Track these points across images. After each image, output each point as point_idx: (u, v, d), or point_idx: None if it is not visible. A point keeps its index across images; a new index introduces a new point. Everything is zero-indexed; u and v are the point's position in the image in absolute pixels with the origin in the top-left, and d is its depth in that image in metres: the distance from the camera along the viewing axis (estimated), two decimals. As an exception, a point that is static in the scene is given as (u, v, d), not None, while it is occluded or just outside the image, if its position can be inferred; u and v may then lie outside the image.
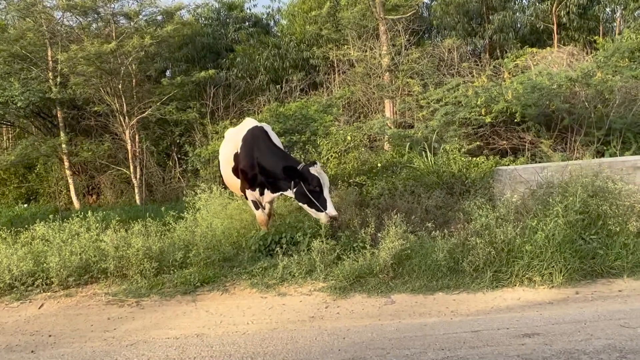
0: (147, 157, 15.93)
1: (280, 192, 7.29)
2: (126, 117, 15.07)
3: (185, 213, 8.80)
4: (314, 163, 6.96)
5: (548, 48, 14.69)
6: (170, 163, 16.64)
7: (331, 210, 6.74)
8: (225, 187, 9.40)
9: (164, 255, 7.16)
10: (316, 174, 6.79)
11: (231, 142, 7.86)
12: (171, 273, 6.89)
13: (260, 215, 7.63)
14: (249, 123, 7.92)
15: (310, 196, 6.79)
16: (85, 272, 7.02)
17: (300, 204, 7.05)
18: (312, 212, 6.92)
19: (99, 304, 6.26)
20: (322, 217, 6.78)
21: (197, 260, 7.02)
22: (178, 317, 5.69)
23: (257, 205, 7.62)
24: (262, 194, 7.49)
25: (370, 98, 16.31)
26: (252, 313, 5.64)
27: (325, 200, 6.77)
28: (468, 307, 5.38)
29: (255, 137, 7.46)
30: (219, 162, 8.44)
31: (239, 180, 7.66)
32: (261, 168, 7.27)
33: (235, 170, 7.67)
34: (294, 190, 6.95)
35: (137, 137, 15.58)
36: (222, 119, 16.43)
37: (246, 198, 7.76)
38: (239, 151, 7.53)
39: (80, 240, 7.40)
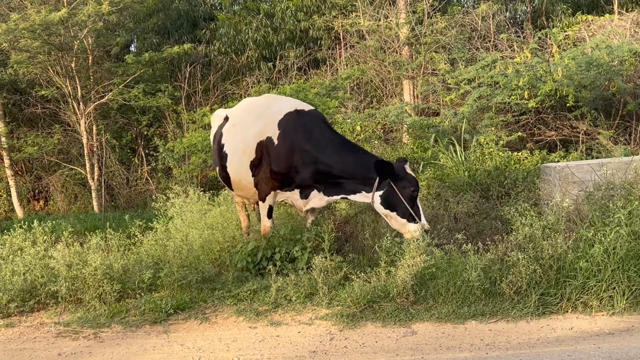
0: (108, 153, 15.97)
1: (342, 196, 7.17)
2: (81, 104, 15.11)
3: (154, 222, 8.80)
4: (405, 160, 6.87)
5: (607, 15, 14.68)
6: (136, 160, 16.69)
7: (425, 220, 6.73)
8: (204, 189, 9.42)
9: (128, 276, 7.16)
10: (413, 174, 6.80)
11: (249, 125, 7.55)
12: (137, 297, 6.90)
13: (269, 226, 7.48)
14: (283, 103, 7.68)
15: (404, 202, 6.70)
16: (31, 297, 7.02)
17: (385, 211, 6.90)
18: (400, 222, 6.82)
19: (47, 336, 6.27)
20: (415, 229, 6.71)
21: (169, 282, 7.03)
22: (146, 352, 5.69)
23: (271, 213, 7.51)
24: (305, 196, 7.32)
25: (385, 78, 16.32)
26: (239, 347, 5.64)
27: (419, 208, 6.77)
28: (508, 340, 5.37)
29: (305, 125, 7.27)
30: (220, 153, 7.94)
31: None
32: (319, 164, 7.08)
33: (256, 165, 7.40)
34: (380, 193, 6.82)
35: (94, 128, 15.63)
36: (201, 104, 16.47)
37: (262, 201, 7.47)
38: (274, 140, 7.24)
39: (24, 257, 7.39)
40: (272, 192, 7.33)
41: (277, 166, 7.20)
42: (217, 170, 8.07)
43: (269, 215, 7.47)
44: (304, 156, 7.11)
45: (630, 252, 5.92)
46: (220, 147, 7.85)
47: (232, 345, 5.67)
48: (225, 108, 8.65)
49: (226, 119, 8.06)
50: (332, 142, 7.15)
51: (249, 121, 7.63)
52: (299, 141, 7.15)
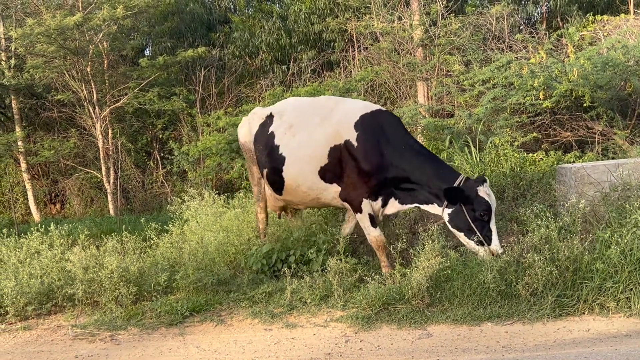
0: (123, 157, 16.05)
1: (416, 205, 6.83)
2: (96, 107, 15.20)
3: (170, 225, 8.85)
4: (483, 180, 6.48)
5: (622, 15, 14.58)
6: (152, 164, 16.75)
7: (497, 245, 6.32)
8: (219, 192, 9.41)
9: (144, 278, 7.21)
10: (485, 197, 6.36)
11: (314, 128, 7.19)
12: (153, 300, 6.94)
13: (379, 236, 6.98)
14: (352, 104, 7.36)
15: (472, 224, 6.37)
16: (48, 300, 7.08)
17: (452, 229, 6.57)
18: (468, 243, 6.49)
19: (64, 339, 6.32)
20: (482, 252, 6.34)
21: (185, 284, 7.06)
22: (162, 354, 5.72)
23: (375, 222, 7.00)
24: (384, 204, 7.00)
25: (399, 80, 16.28)
26: (254, 349, 5.65)
27: (490, 232, 6.37)
28: (524, 341, 5.35)
29: (382, 126, 6.95)
30: (272, 155, 7.49)
31: (326, 187, 7.12)
32: (398, 170, 6.78)
33: (329, 170, 7.04)
34: (449, 211, 6.49)
35: (110, 131, 15.72)
36: (215, 107, 16.51)
37: (359, 212, 6.99)
38: (353, 143, 6.89)
39: (41, 260, 7.46)
40: (366, 200, 6.90)
41: (366, 165, 6.85)
42: (265, 173, 7.62)
43: (373, 224, 6.95)
44: (386, 159, 6.82)
45: (647, 253, 5.89)
46: (273, 148, 7.42)
47: (248, 348, 5.69)
48: (263, 107, 8.36)
49: (270, 117, 7.68)
50: (412, 147, 6.86)
51: (312, 123, 7.24)
52: (381, 142, 6.87)
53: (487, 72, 12.67)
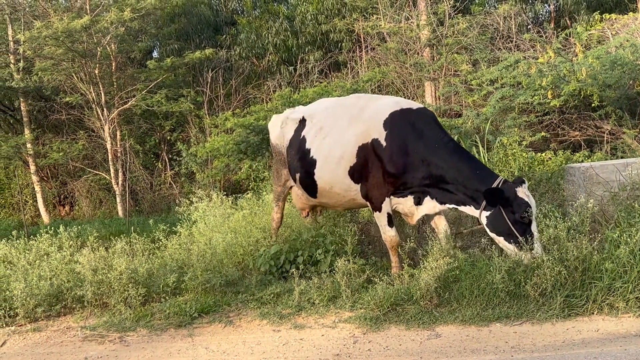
0: (131, 158, 16.13)
1: (454, 205, 6.60)
2: (105, 109, 15.27)
3: (178, 227, 8.86)
4: (521, 182, 6.28)
5: (631, 14, 14.53)
6: (160, 165, 16.81)
7: (540, 250, 6.05)
8: (227, 193, 9.41)
9: (153, 280, 7.22)
10: (525, 198, 6.17)
11: (344, 128, 7.11)
12: (162, 301, 6.95)
13: (393, 236, 6.92)
14: (383, 102, 7.15)
15: (512, 227, 6.18)
16: (57, 301, 7.10)
17: (491, 234, 6.37)
18: (508, 248, 6.23)
19: (74, 340, 6.33)
20: (523, 257, 6.08)
21: (193, 285, 7.07)
22: (171, 355, 5.73)
23: (392, 222, 6.92)
24: (418, 203, 6.80)
25: (406, 80, 16.28)
26: (262, 350, 5.66)
27: (532, 236, 6.14)
28: (533, 342, 5.34)
29: (414, 124, 6.78)
30: (304, 159, 7.44)
31: (358, 189, 7.03)
32: (431, 168, 6.59)
33: (358, 170, 6.94)
34: (487, 214, 6.30)
35: (118, 133, 15.79)
36: (223, 109, 16.56)
37: (378, 210, 6.93)
38: (381, 142, 6.77)
39: (50, 262, 7.49)
40: (387, 199, 6.81)
41: (392, 167, 6.70)
42: (297, 177, 7.58)
43: (390, 224, 6.88)
44: (416, 157, 6.64)
45: (657, 252, 5.86)
46: (305, 152, 7.39)
47: (256, 349, 5.69)
48: (291, 108, 8.29)
49: (302, 121, 7.65)
50: (446, 145, 6.64)
51: (342, 124, 7.17)
52: (410, 141, 6.70)
53: (495, 72, 12.66)
